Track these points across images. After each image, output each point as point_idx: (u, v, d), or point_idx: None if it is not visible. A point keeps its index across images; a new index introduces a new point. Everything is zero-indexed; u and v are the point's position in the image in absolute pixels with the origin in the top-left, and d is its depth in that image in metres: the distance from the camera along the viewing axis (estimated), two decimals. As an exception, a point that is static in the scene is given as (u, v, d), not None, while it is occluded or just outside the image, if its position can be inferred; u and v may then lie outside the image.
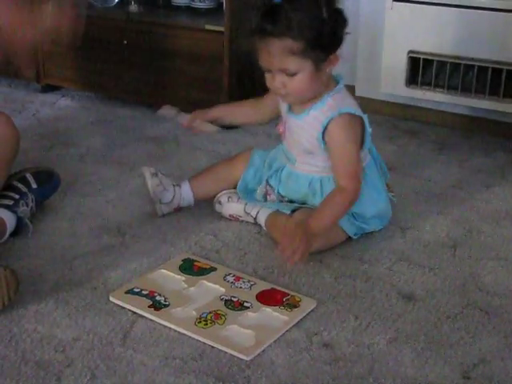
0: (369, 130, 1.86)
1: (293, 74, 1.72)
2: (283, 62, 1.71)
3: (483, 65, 2.58)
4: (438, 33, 2.63)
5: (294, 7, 1.67)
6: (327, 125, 1.78)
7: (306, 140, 1.84)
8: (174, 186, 2.00)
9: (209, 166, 2.12)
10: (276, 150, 2.00)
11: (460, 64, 2.62)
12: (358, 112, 1.82)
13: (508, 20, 2.51)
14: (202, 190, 2.02)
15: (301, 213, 1.84)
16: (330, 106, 1.79)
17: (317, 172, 1.88)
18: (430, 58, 2.67)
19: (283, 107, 1.90)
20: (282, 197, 1.94)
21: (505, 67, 2.54)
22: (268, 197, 1.97)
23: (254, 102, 2.01)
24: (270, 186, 1.96)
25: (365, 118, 1.83)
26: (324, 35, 1.69)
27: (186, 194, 2.01)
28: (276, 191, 1.95)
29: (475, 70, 2.60)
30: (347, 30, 1.74)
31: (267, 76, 1.77)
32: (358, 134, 1.83)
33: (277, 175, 1.95)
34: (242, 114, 2.04)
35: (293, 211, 1.87)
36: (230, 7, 2.55)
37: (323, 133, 1.80)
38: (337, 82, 1.83)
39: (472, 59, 2.60)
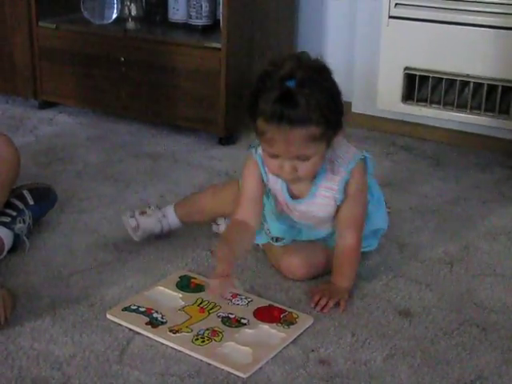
0: (371, 170, 1.75)
1: (306, 159, 1.58)
2: (302, 150, 1.55)
3: (479, 81, 2.60)
4: (433, 49, 2.65)
5: (312, 89, 1.50)
6: (349, 179, 1.67)
7: (323, 213, 1.74)
8: (159, 220, 1.96)
9: (194, 194, 2.05)
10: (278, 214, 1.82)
11: (456, 80, 2.63)
12: (364, 153, 1.71)
13: (503, 37, 2.52)
14: (188, 219, 1.97)
15: (294, 244, 1.82)
16: (339, 164, 1.67)
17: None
18: (425, 74, 2.68)
19: (278, 192, 1.75)
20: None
21: (500, 83, 2.56)
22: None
23: (241, 221, 1.72)
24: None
25: (367, 156, 1.72)
26: (340, 110, 1.57)
27: (173, 223, 1.97)
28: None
29: (471, 87, 2.62)
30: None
31: (272, 162, 1.59)
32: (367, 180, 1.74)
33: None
34: (244, 236, 1.73)
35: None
36: (226, 24, 2.56)
37: (344, 189, 1.69)
38: None
39: (467, 75, 2.61)
